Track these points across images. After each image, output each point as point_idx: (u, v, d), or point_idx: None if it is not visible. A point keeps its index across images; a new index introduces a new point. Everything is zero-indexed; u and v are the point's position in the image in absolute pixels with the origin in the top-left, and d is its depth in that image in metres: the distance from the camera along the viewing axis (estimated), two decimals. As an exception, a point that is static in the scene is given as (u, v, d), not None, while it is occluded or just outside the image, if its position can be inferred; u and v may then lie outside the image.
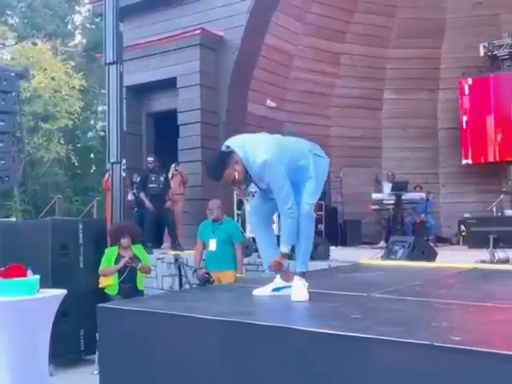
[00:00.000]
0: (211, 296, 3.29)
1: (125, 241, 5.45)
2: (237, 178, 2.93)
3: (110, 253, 5.48)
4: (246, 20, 9.27)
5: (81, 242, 5.74)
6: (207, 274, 5.21)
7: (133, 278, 5.39)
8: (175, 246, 8.06)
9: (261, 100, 10.28)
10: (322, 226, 9.75)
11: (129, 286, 5.32)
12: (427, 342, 1.91)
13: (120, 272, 5.36)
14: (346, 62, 11.22)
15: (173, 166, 8.86)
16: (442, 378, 1.88)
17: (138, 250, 5.59)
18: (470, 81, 10.96)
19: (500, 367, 1.75)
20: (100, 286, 5.47)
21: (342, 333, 2.11)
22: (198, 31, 9.29)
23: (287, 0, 9.95)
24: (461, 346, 1.83)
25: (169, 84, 9.49)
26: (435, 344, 1.89)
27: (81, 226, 5.78)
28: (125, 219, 6.20)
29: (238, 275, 5.31)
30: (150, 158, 8.48)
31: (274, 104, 10.58)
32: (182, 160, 9.25)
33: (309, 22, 10.49)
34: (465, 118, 11.02)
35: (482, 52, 10.76)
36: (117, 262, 5.40)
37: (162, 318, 2.55)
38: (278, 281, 3.12)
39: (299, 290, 2.93)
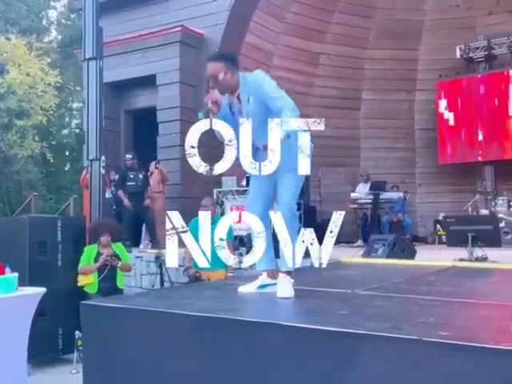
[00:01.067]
0: (196, 293, 3.26)
1: (104, 238, 5.38)
2: (220, 78, 2.86)
3: (90, 251, 5.41)
4: (226, 18, 9.26)
5: (59, 239, 5.64)
6: (198, 272, 5.16)
7: (113, 276, 5.33)
8: (154, 244, 8.00)
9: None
10: (300, 225, 9.77)
11: (108, 285, 5.27)
12: (416, 337, 1.93)
13: (100, 270, 5.29)
14: (325, 62, 11.29)
15: (153, 163, 8.78)
16: (432, 373, 1.90)
17: (118, 248, 5.52)
18: (446, 82, 11.14)
19: (489, 361, 1.77)
20: (79, 284, 5.39)
21: (332, 328, 2.12)
22: (179, 28, 9.24)
23: (267, -1, 9.98)
24: (450, 341, 1.85)
25: (148, 81, 9.41)
26: (424, 339, 1.91)
27: (59, 224, 5.68)
28: (104, 216, 6.13)
29: (229, 274, 5.28)
30: (129, 156, 8.40)
31: (253, 102, 10.58)
32: (161, 158, 9.18)
33: (288, 22, 10.53)
34: (441, 119, 11.19)
35: (458, 54, 10.94)
36: (96, 260, 5.33)
37: (148, 315, 2.51)
38: (264, 278, 3.12)
39: (285, 286, 2.93)
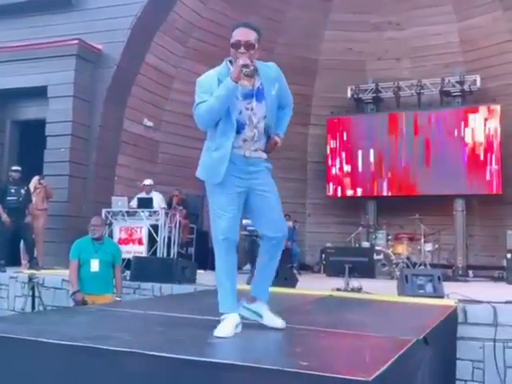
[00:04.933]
0: (64, 319, 3.09)
1: None
2: (254, 44, 2.73)
3: None
4: (127, 36, 9.12)
5: None
6: (84, 297, 4.89)
7: None
8: (33, 264, 7.53)
9: (138, 118, 10.11)
10: (192, 250, 9.72)
11: None
12: (278, 368, 1.97)
13: None
14: (225, 90, 11.48)
15: (36, 178, 8.31)
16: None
17: None
18: (336, 119, 11.75)
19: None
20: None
21: (195, 358, 2.10)
22: (76, 41, 8.95)
23: (170, 22, 9.98)
24: (307, 371, 1.91)
25: (39, 92, 8.97)
26: (285, 369, 1.95)
27: None
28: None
29: (117, 299, 5.06)
30: (16, 168, 7.90)
31: (151, 123, 10.46)
32: (47, 173, 8.72)
33: (191, 47, 10.60)
34: (330, 154, 11.75)
35: (349, 94, 11.61)
36: None
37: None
38: (238, 318, 2.71)
39: (273, 316, 2.86)
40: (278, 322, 2.78)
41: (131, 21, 9.14)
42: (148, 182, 9.06)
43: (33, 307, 5.29)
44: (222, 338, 2.56)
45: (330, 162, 11.73)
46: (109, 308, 3.51)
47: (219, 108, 2.70)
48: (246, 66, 2.61)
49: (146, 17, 9.28)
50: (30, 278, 5.45)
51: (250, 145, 2.79)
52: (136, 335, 2.79)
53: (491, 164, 10.56)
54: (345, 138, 11.68)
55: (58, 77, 8.89)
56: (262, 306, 2.84)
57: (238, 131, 2.75)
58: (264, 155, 2.88)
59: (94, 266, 5.04)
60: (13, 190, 7.68)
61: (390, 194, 11.24)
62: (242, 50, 2.70)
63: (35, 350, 2.26)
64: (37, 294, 5.30)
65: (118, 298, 5.14)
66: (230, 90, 2.64)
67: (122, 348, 2.23)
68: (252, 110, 2.75)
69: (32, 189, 8.12)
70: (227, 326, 2.64)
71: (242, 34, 2.74)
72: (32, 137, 9.27)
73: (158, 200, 8.87)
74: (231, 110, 2.72)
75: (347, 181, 11.59)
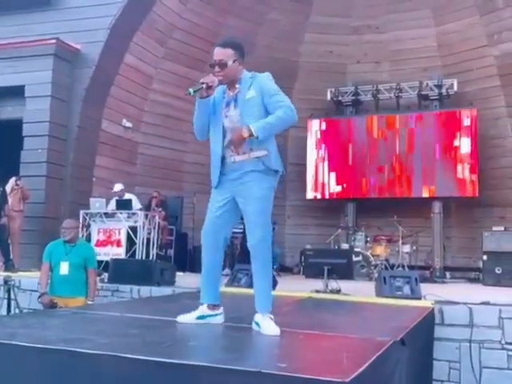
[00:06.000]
0: (40, 322, 3.05)
1: None
2: (228, 65, 2.88)
3: None
4: (106, 36, 9.05)
5: None
6: (53, 300, 4.83)
7: None
8: (9, 266, 7.42)
9: (116, 119, 10.03)
10: (171, 251, 9.67)
11: None
12: (255, 370, 1.97)
13: None
14: (205, 91, 11.44)
15: (13, 179, 8.19)
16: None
17: None
18: (316, 122, 11.80)
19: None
20: None
21: (172, 360, 2.09)
22: (54, 41, 8.84)
23: (150, 22, 9.93)
24: (285, 373, 1.91)
25: (16, 92, 8.84)
26: (263, 371, 1.95)
27: None
28: None
29: (89, 302, 5.01)
30: None
31: (130, 124, 10.39)
32: (24, 174, 8.60)
33: (170, 47, 10.55)
34: (310, 156, 11.79)
35: (329, 96, 11.67)
36: None
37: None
38: (204, 309, 3.04)
39: (271, 324, 2.88)
40: (271, 330, 2.82)
41: (110, 21, 9.06)
42: (118, 188, 8.86)
43: (8, 310, 5.20)
44: (181, 323, 2.97)
45: (309, 164, 11.77)
46: (85, 311, 3.47)
47: (196, 118, 3.00)
48: (202, 83, 2.84)
49: (125, 17, 9.21)
50: (6, 281, 5.35)
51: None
52: (112, 338, 2.76)
53: (468, 167, 10.71)
54: (324, 140, 11.73)
55: (36, 76, 8.77)
56: (260, 317, 2.94)
57: (224, 137, 2.94)
58: (253, 154, 2.93)
59: (64, 268, 5.03)
60: (-13, 191, 7.55)
61: (368, 196, 11.33)
62: (216, 69, 2.91)
63: (8, 353, 2.22)
64: (12, 296, 5.21)
65: (90, 302, 5.08)
66: (198, 102, 2.94)
67: (98, 351, 2.20)
68: (229, 117, 2.94)
69: (9, 190, 8.00)
70: (188, 315, 3.03)
71: (215, 54, 2.94)
72: (8, 137, 9.12)
73: (134, 201, 8.82)
74: (218, 118, 2.94)
75: (327, 183, 11.65)
